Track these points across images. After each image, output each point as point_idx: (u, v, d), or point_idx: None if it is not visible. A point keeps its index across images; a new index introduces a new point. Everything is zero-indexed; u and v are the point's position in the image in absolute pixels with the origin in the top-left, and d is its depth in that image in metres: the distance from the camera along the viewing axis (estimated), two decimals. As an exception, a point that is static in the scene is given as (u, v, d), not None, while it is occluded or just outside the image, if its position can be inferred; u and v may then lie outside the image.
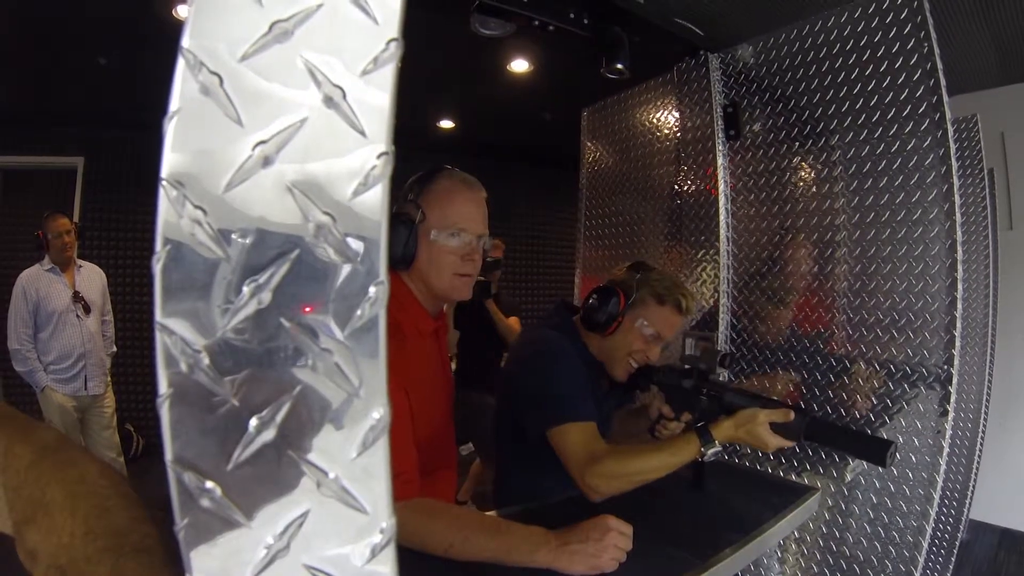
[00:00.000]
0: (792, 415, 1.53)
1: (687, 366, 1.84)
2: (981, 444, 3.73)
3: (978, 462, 3.70)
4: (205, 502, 0.35)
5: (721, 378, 2.28)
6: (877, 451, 1.42)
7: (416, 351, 1.47)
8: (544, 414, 1.69)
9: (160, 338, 0.35)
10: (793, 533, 2.07)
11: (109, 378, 4.31)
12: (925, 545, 1.80)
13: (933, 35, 1.76)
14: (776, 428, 1.55)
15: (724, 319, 2.40)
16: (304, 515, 0.36)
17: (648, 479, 1.58)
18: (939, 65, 1.76)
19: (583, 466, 1.58)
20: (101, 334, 4.23)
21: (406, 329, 1.44)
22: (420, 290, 1.50)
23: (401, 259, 1.42)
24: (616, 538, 1.27)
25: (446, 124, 6.19)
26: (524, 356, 1.91)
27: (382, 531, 0.36)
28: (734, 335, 2.38)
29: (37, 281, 3.97)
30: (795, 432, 1.53)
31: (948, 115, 1.76)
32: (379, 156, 0.36)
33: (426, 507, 1.31)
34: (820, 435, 1.54)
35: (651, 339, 1.84)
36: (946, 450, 1.79)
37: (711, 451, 1.57)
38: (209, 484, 0.35)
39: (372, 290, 0.35)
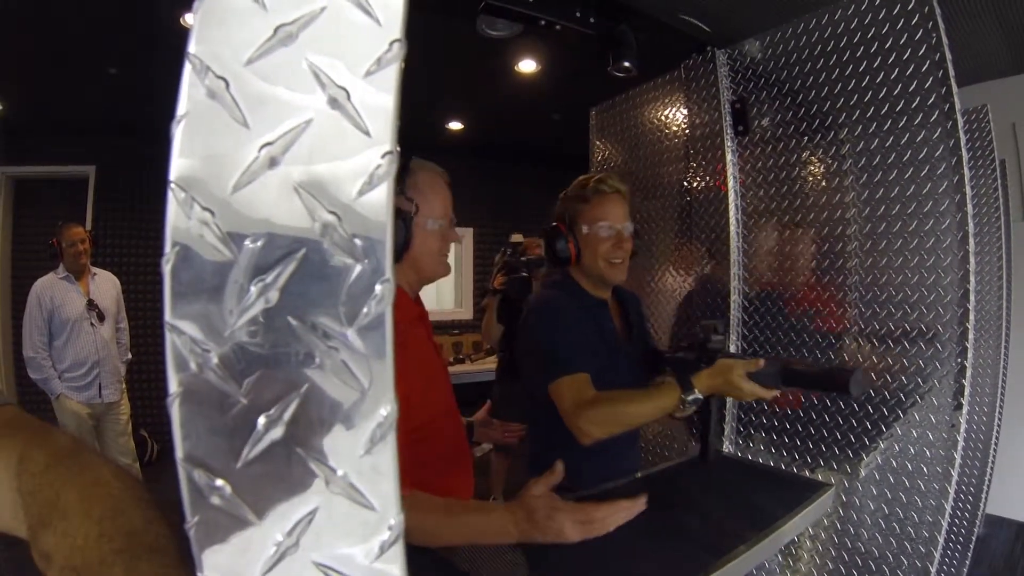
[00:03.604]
0: (762, 363, 1.63)
1: (684, 342, 1.91)
2: (997, 438, 3.70)
3: (994, 456, 3.67)
4: (215, 500, 0.36)
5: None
6: (842, 382, 1.50)
7: (402, 336, 1.48)
8: (542, 372, 1.81)
9: (170, 338, 0.35)
10: (808, 530, 2.07)
11: (124, 385, 4.34)
12: (941, 540, 1.79)
13: (941, 26, 1.76)
14: (754, 377, 1.63)
15: (736, 316, 2.39)
16: (313, 512, 0.36)
17: (634, 423, 1.76)
18: (947, 56, 1.75)
19: (574, 412, 1.70)
20: (115, 342, 4.26)
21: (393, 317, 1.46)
22: (407, 278, 1.58)
23: (397, 252, 1.46)
24: (575, 535, 1.20)
25: (455, 125, 6.21)
26: (524, 319, 2.01)
27: (390, 528, 0.37)
28: (746, 332, 2.38)
29: (52, 289, 4.00)
30: (772, 379, 1.62)
31: (958, 106, 1.75)
32: (384, 156, 0.36)
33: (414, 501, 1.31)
34: (794, 379, 1.64)
35: (607, 233, 1.93)
36: (961, 444, 1.77)
37: (690, 398, 1.68)
38: (219, 482, 0.35)
39: (378, 288, 0.36)
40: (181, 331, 0.35)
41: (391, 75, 0.36)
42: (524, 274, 3.83)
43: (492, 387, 4.60)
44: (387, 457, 0.36)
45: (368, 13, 0.36)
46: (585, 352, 1.83)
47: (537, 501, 1.23)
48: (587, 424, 1.68)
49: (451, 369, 6.05)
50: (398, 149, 0.36)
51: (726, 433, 2.37)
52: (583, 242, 1.95)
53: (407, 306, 1.57)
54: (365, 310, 0.36)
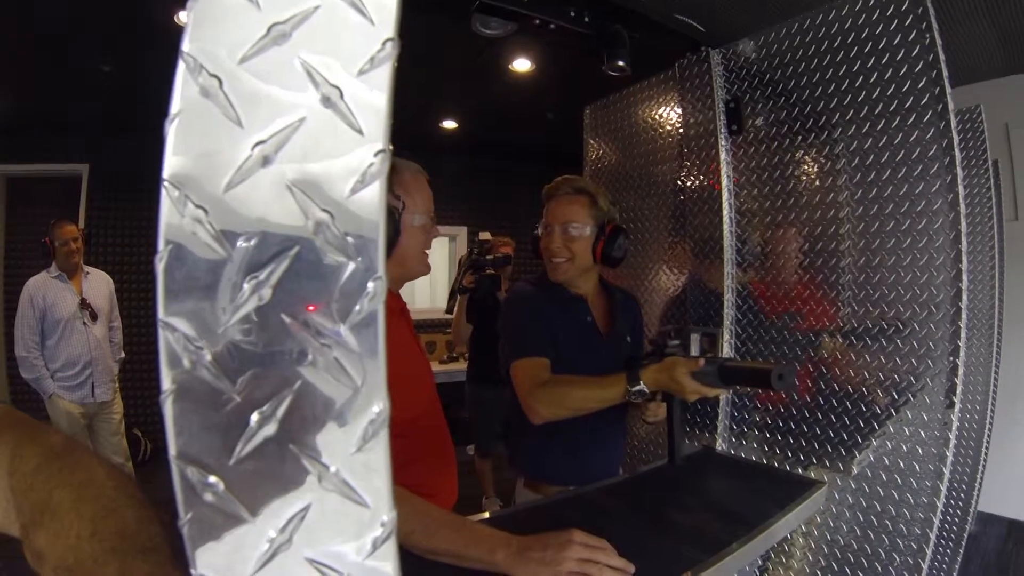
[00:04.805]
0: (701, 363, 1.68)
1: (650, 347, 1.97)
2: (989, 436, 3.72)
3: (986, 454, 3.69)
4: (208, 497, 0.36)
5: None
6: (765, 377, 1.54)
7: (389, 333, 1.51)
8: (506, 355, 1.91)
9: (163, 335, 0.35)
10: (800, 527, 2.07)
11: (117, 384, 4.33)
12: (933, 537, 1.80)
13: (935, 26, 1.76)
14: (697, 376, 1.67)
15: (729, 314, 2.40)
16: (305, 509, 0.36)
17: (582, 407, 1.78)
18: (941, 57, 1.75)
19: (526, 392, 1.79)
20: (108, 341, 4.25)
21: None
22: (391, 274, 1.60)
23: (386, 248, 1.49)
24: (579, 551, 1.21)
25: (449, 124, 6.21)
26: (500, 310, 2.14)
27: (383, 525, 0.37)
28: (739, 330, 2.38)
29: (44, 288, 3.99)
30: (712, 378, 1.66)
31: (951, 106, 1.76)
32: (376, 154, 0.36)
33: (395, 494, 1.31)
34: (730, 377, 1.66)
35: (548, 232, 2.05)
36: (953, 442, 1.78)
37: (635, 389, 1.73)
38: (212, 479, 0.36)
39: (370, 286, 0.36)
40: (174, 328, 0.35)
41: (384, 74, 0.37)
42: (491, 272, 3.88)
43: (463, 387, 4.62)
44: (380, 454, 0.36)
45: (361, 12, 0.36)
46: (547, 339, 1.92)
47: (547, 536, 1.25)
48: (536, 403, 1.76)
49: (445, 367, 6.07)
50: (391, 148, 0.36)
51: (719, 430, 2.37)
52: (541, 239, 2.08)
53: (389, 300, 1.59)
54: (357, 307, 0.36)
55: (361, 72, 0.36)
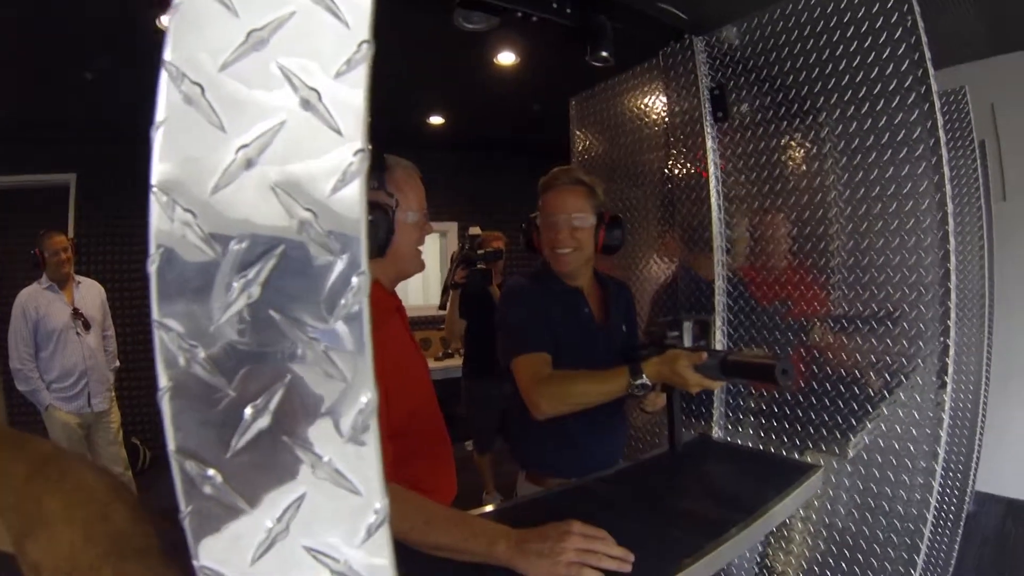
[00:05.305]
0: (704, 356, 1.69)
1: (647, 339, 1.97)
2: (983, 415, 3.74)
3: (980, 434, 3.71)
4: (207, 489, 0.37)
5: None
6: (769, 372, 1.55)
7: (382, 331, 1.51)
8: (506, 351, 1.92)
9: (158, 335, 0.36)
10: (799, 511, 2.09)
11: (113, 393, 4.32)
12: (930, 518, 1.81)
13: (916, 8, 1.77)
14: (699, 369, 1.68)
15: (720, 301, 2.41)
16: (301, 498, 0.37)
17: (585, 402, 1.80)
18: (923, 38, 1.76)
19: (529, 387, 1.80)
20: (103, 350, 4.24)
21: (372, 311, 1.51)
22: (387, 273, 1.62)
23: (381, 247, 1.51)
24: (578, 542, 1.22)
25: (436, 120, 6.21)
26: (497, 306, 2.13)
27: (376, 512, 0.38)
28: (731, 316, 2.40)
29: (36, 299, 3.98)
30: (715, 371, 1.68)
31: (934, 87, 1.77)
32: (355, 153, 0.37)
33: (393, 491, 1.33)
34: (733, 371, 1.67)
35: (551, 223, 2.03)
36: (947, 422, 1.80)
37: (638, 382, 1.74)
38: (210, 472, 0.37)
39: (355, 280, 0.37)
40: (168, 328, 0.36)
41: (360, 75, 0.37)
42: (482, 266, 3.89)
43: (459, 384, 4.63)
44: (370, 443, 0.37)
45: (336, 15, 0.37)
46: (546, 334, 1.92)
47: (545, 528, 1.26)
48: (539, 399, 1.76)
49: (441, 364, 6.08)
50: (369, 147, 0.37)
51: (715, 418, 2.39)
52: (541, 231, 2.07)
53: (384, 299, 1.62)
54: (343, 302, 0.37)
55: (338, 74, 0.37)
